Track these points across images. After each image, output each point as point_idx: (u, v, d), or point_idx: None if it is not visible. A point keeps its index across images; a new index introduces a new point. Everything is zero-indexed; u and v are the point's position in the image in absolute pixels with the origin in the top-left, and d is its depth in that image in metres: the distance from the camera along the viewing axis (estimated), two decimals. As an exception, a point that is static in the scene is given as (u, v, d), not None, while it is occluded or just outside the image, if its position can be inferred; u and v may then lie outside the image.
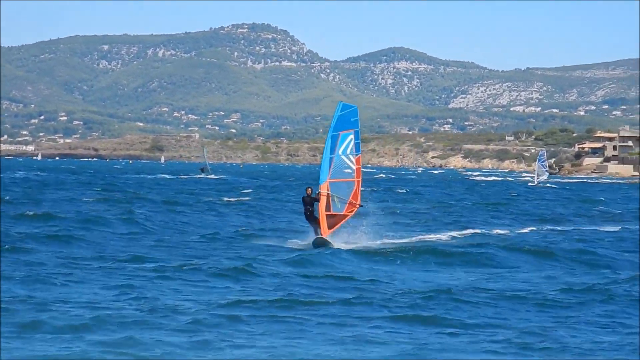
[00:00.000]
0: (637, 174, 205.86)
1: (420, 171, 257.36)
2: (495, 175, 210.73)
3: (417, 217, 57.92)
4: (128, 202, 66.93)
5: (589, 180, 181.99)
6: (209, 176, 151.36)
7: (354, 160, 35.26)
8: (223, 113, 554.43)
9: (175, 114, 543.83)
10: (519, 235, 47.78)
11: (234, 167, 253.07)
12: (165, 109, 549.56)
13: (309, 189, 35.85)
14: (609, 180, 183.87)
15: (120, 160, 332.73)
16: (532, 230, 51.20)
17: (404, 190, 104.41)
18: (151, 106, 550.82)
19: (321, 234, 34.40)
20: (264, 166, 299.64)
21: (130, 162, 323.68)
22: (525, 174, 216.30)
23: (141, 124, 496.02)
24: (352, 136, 35.29)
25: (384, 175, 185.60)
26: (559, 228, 53.16)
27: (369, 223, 41.03)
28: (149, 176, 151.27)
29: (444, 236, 44.18)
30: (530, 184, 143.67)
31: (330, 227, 34.29)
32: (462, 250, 36.69)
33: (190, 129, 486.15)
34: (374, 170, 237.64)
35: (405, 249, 34.44)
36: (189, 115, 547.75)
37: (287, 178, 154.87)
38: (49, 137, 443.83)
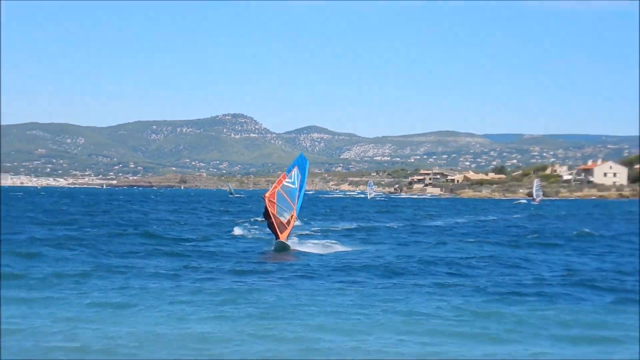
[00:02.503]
0: (443, 193, 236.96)
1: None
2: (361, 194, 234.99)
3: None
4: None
5: (417, 196, 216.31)
6: (236, 195, 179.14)
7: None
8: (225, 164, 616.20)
9: (193, 163, 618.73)
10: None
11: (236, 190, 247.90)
12: (186, 160, 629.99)
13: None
14: (428, 197, 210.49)
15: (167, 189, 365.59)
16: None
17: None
18: (181, 159, 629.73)
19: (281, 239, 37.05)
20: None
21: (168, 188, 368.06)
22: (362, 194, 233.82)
23: (174, 169, 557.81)
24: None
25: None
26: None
27: None
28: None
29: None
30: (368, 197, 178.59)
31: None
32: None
33: (201, 170, 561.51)
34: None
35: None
36: (204, 166, 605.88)
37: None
38: (124, 176, 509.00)
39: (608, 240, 50.19)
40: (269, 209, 36.54)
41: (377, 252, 38.85)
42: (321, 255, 36.70)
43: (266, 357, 16.84)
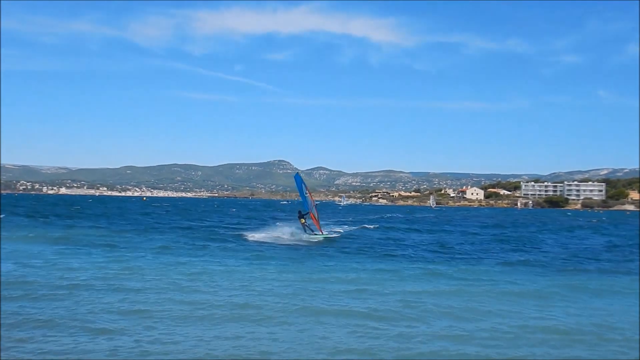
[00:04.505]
0: (387, 202, 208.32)
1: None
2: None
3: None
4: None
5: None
6: (282, 202, 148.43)
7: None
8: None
9: (257, 185, 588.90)
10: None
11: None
12: (254, 183, 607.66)
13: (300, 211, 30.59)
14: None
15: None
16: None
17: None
18: (251, 183, 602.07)
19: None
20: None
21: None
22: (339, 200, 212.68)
23: (247, 188, 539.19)
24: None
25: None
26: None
27: None
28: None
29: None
30: (340, 204, 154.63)
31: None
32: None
33: (261, 189, 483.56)
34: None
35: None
36: (263, 187, 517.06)
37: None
38: (221, 192, 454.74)
39: (492, 228, 46.43)
40: (313, 220, 30.66)
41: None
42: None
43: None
